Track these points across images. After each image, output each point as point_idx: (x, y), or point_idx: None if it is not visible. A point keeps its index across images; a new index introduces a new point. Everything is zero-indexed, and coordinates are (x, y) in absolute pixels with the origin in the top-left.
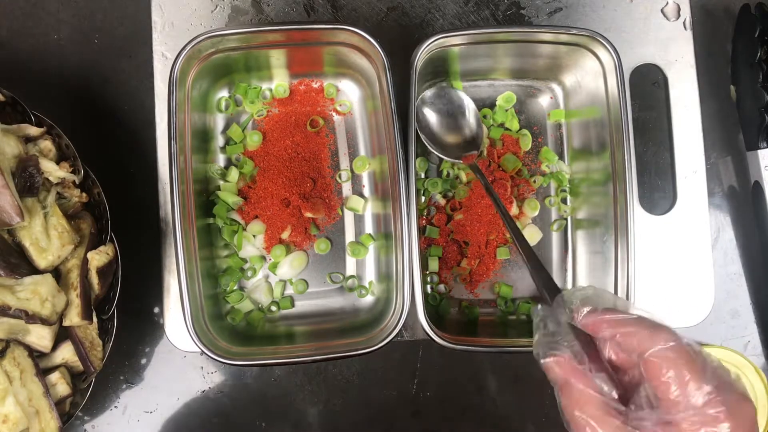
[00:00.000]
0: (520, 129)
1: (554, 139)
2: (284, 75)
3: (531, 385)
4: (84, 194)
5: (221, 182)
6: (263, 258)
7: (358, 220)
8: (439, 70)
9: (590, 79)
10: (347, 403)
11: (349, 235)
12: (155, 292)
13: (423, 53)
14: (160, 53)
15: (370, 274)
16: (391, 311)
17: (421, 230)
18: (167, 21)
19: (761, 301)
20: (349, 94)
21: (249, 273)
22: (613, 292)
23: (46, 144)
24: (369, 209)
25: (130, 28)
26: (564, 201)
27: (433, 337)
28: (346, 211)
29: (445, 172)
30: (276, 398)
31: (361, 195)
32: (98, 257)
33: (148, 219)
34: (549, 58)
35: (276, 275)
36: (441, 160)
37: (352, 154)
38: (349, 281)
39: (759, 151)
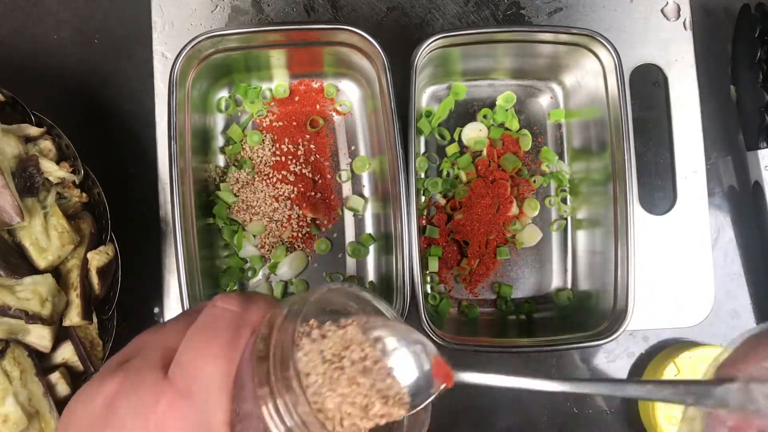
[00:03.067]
0: (520, 129)
1: (554, 139)
2: (284, 75)
3: None
4: (84, 194)
5: (221, 182)
6: (263, 258)
7: (358, 220)
8: (439, 70)
9: (590, 79)
10: None
11: (349, 236)
12: (155, 292)
13: (423, 53)
14: (160, 53)
15: (370, 275)
16: None
17: (421, 230)
18: (167, 21)
19: (761, 301)
20: (349, 94)
21: (249, 273)
22: (612, 292)
23: (46, 144)
24: (369, 209)
25: (130, 28)
26: (564, 201)
27: (433, 337)
28: (346, 211)
29: (445, 172)
30: None
31: (361, 195)
32: (98, 257)
33: (148, 219)
34: (549, 58)
35: (276, 275)
36: (441, 159)
37: (352, 154)
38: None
39: (759, 151)
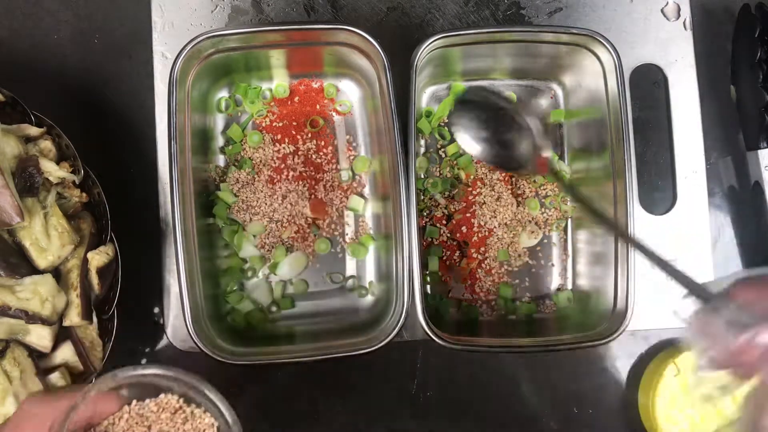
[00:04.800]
0: None
1: (554, 138)
2: (284, 75)
3: (531, 385)
4: (84, 194)
5: (221, 182)
6: (263, 258)
7: (358, 220)
8: (439, 70)
9: (590, 79)
10: (347, 403)
11: (349, 236)
12: (155, 292)
13: (423, 53)
14: (160, 53)
15: (370, 274)
16: (391, 311)
17: (421, 230)
18: (167, 21)
19: None
20: (349, 94)
21: (249, 273)
22: (613, 292)
23: (46, 144)
24: (369, 209)
25: (130, 28)
26: (564, 201)
27: (433, 337)
28: (346, 211)
29: (445, 172)
30: (276, 398)
31: (361, 195)
32: (98, 257)
33: (148, 219)
34: (549, 58)
35: (276, 275)
36: (441, 159)
37: (352, 154)
38: (349, 281)
39: (759, 151)
